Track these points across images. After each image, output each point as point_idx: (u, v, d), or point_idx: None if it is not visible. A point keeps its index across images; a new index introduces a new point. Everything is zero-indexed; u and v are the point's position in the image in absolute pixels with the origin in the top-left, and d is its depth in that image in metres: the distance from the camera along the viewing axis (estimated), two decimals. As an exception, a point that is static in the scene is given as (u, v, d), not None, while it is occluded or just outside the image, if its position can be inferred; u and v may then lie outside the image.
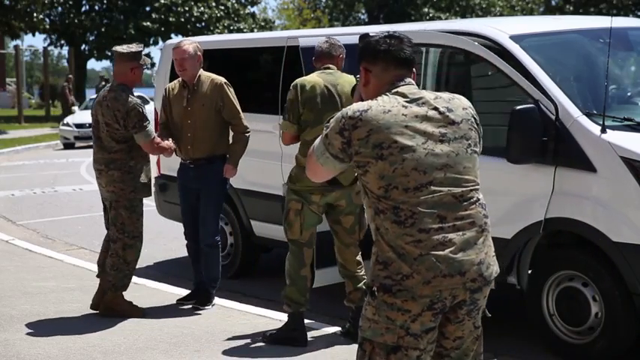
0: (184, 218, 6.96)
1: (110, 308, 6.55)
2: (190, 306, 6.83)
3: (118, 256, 6.53)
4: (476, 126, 3.27)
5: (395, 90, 3.22)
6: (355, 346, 5.73)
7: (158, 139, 6.52)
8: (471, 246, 3.11)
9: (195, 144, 6.68)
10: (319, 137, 3.29)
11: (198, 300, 6.83)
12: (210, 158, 6.72)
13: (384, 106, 3.15)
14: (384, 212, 3.11)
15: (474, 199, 3.17)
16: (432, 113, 3.17)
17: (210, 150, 6.71)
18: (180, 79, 6.82)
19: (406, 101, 3.18)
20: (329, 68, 5.95)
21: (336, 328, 6.22)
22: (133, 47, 6.59)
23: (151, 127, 6.48)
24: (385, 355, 3.11)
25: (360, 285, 5.92)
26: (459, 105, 3.25)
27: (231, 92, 6.73)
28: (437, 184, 3.09)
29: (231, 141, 6.82)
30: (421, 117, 3.15)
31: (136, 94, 6.78)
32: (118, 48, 6.60)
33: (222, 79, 6.77)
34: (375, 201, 3.14)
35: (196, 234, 6.83)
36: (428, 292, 3.06)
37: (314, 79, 5.88)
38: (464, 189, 3.14)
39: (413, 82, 3.28)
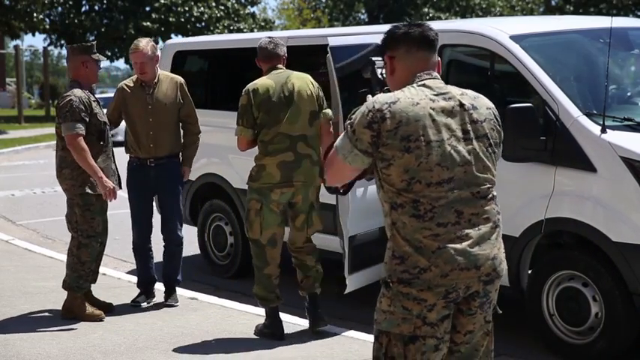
0: (140, 217, 6.84)
1: (69, 311, 6.44)
2: (145, 304, 6.85)
3: (73, 255, 6.42)
4: (498, 127, 3.28)
5: (422, 82, 3.22)
6: (352, 345, 5.77)
7: (82, 141, 6.17)
8: (485, 241, 3.15)
9: (158, 142, 6.72)
10: (340, 138, 3.23)
11: (169, 297, 6.88)
12: (170, 156, 6.79)
13: (412, 98, 3.14)
14: (402, 206, 3.11)
15: (490, 196, 3.21)
16: (457, 109, 3.17)
17: (172, 148, 6.80)
18: (133, 78, 6.82)
19: (433, 94, 3.18)
20: (276, 68, 6.07)
21: (336, 329, 6.22)
22: (87, 43, 6.54)
23: (81, 126, 6.19)
24: (403, 346, 3.11)
25: (310, 273, 6.13)
26: (483, 104, 3.26)
27: (188, 92, 6.87)
28: (457, 181, 3.11)
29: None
30: (447, 112, 3.15)
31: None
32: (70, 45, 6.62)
33: (181, 79, 6.89)
34: (393, 195, 3.13)
35: (149, 233, 6.87)
36: (444, 282, 3.09)
37: (265, 81, 5.98)
38: (482, 187, 3.17)
39: (438, 75, 3.29)
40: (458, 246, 3.08)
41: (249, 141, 5.98)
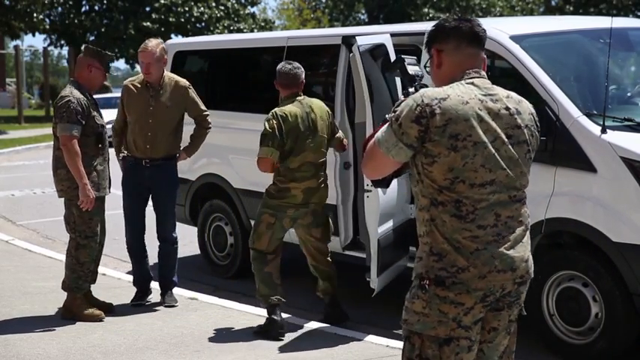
0: (133, 216, 6.85)
1: (69, 311, 6.45)
2: (146, 302, 6.88)
3: (71, 256, 6.41)
4: (537, 133, 3.27)
5: (470, 80, 3.17)
6: (353, 345, 5.76)
7: (76, 144, 6.16)
8: (519, 243, 3.17)
9: (155, 144, 6.73)
10: (382, 130, 3.15)
11: (167, 298, 6.89)
12: (166, 158, 6.80)
13: (462, 96, 3.09)
14: (443, 204, 3.09)
15: (523, 199, 3.23)
16: (503, 112, 3.14)
17: (168, 150, 6.80)
18: (140, 77, 6.83)
19: (482, 94, 3.14)
20: (297, 95, 6.19)
21: (336, 329, 6.22)
22: (104, 51, 6.52)
23: (76, 128, 6.18)
24: (438, 348, 3.11)
25: (332, 280, 6.36)
26: (526, 109, 3.24)
27: (195, 94, 6.89)
28: (498, 184, 3.10)
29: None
30: (494, 114, 3.12)
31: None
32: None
33: (186, 82, 6.90)
34: (434, 192, 3.09)
35: (143, 232, 6.89)
36: (482, 286, 3.09)
37: (292, 109, 6.11)
38: (519, 191, 3.18)
39: (485, 74, 3.24)
40: (495, 248, 3.09)
41: (274, 163, 6.06)
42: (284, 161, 6.08)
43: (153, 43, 6.69)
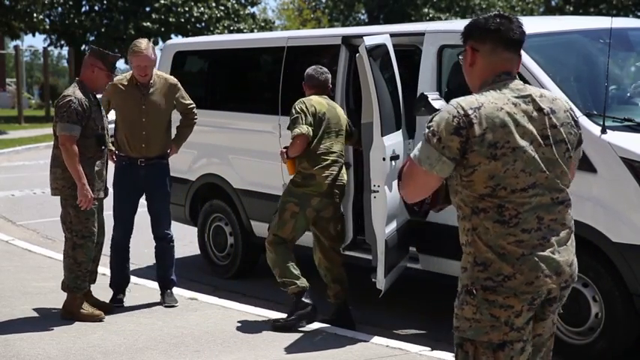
0: (125, 216, 6.85)
1: (68, 311, 6.45)
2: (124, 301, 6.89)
3: (69, 257, 6.40)
4: (575, 130, 3.22)
5: (502, 84, 3.13)
6: (353, 345, 5.76)
7: (75, 145, 6.15)
8: (563, 246, 3.14)
9: (151, 142, 6.76)
10: (418, 149, 3.07)
11: (167, 298, 6.91)
12: (160, 156, 6.84)
13: (496, 102, 3.05)
14: (485, 211, 3.06)
15: (567, 201, 3.18)
16: (536, 114, 3.11)
17: (162, 148, 6.85)
18: (127, 75, 6.81)
19: (515, 97, 3.10)
20: (322, 95, 6.45)
21: (337, 329, 6.22)
22: (110, 52, 6.49)
23: (76, 129, 6.18)
24: (492, 354, 3.07)
25: (345, 283, 6.46)
26: (561, 107, 3.20)
27: (182, 89, 6.98)
28: (539, 187, 3.07)
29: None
30: (528, 117, 3.08)
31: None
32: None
33: (175, 79, 6.97)
34: (474, 200, 3.07)
35: (131, 232, 6.91)
36: (530, 290, 3.06)
37: (319, 100, 6.38)
38: (561, 193, 3.15)
39: (516, 75, 3.20)
40: (541, 253, 3.06)
41: (307, 141, 6.22)
42: (309, 147, 6.25)
43: (145, 45, 6.66)
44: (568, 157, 3.17)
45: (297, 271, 6.27)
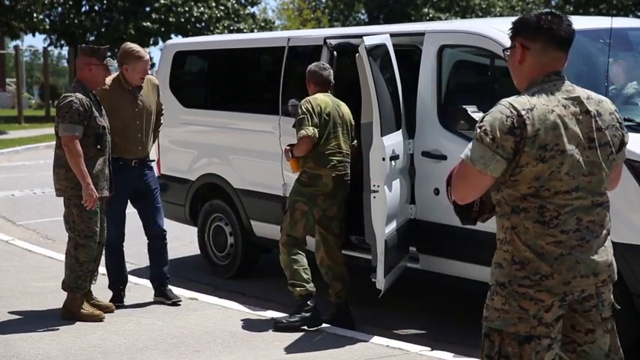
0: (121, 217, 6.89)
1: (68, 311, 6.45)
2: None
3: (71, 256, 6.41)
4: (619, 132, 3.24)
5: (552, 84, 3.15)
6: (353, 345, 5.76)
7: (78, 144, 6.16)
8: (601, 247, 3.17)
9: (144, 144, 6.86)
10: (470, 149, 3.09)
11: (169, 295, 6.96)
12: (148, 156, 6.98)
13: (547, 105, 3.08)
14: (525, 211, 3.09)
15: (605, 203, 3.21)
16: (583, 116, 3.13)
17: (150, 148, 7.00)
18: (112, 79, 6.79)
19: (564, 99, 3.13)
20: (326, 92, 6.48)
21: (337, 329, 6.22)
22: (96, 46, 6.51)
23: (78, 128, 6.18)
24: (518, 346, 3.09)
25: (347, 282, 6.48)
26: (607, 109, 3.21)
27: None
28: (581, 190, 3.11)
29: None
30: (576, 119, 3.11)
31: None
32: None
33: (156, 80, 7.12)
34: (516, 199, 3.10)
35: (124, 233, 6.96)
36: (565, 289, 3.11)
37: (324, 98, 6.40)
38: (601, 196, 3.18)
39: (565, 76, 3.21)
40: (579, 253, 3.10)
41: (313, 142, 6.25)
42: (316, 147, 6.29)
43: (144, 50, 6.80)
44: (612, 160, 3.21)
45: (307, 275, 6.29)
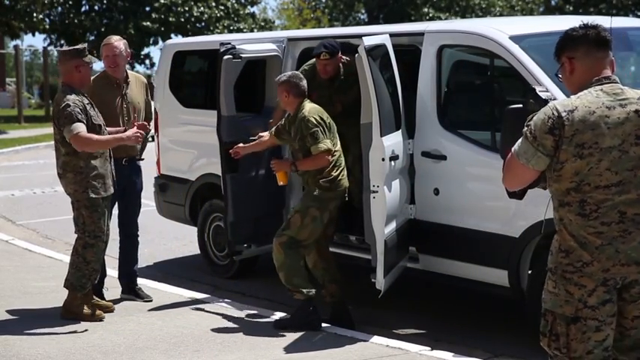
0: (110, 217, 6.83)
1: (68, 311, 6.45)
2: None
3: (78, 255, 6.42)
4: None
5: (599, 87, 3.42)
6: (352, 345, 5.77)
7: (85, 133, 6.17)
8: None
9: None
10: (518, 144, 3.42)
11: (140, 293, 7.05)
12: (136, 155, 6.97)
13: (589, 106, 3.34)
14: (569, 204, 3.40)
15: None
16: (632, 115, 3.36)
17: (138, 147, 6.95)
18: (97, 76, 6.84)
19: (610, 101, 3.37)
20: (305, 100, 6.41)
21: (336, 329, 6.23)
22: (79, 46, 6.50)
23: (80, 124, 6.18)
24: (565, 325, 3.43)
25: (341, 282, 6.46)
26: None
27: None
28: (625, 184, 3.35)
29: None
30: (623, 119, 3.35)
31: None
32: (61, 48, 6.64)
33: (145, 79, 7.10)
34: (561, 193, 3.41)
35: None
36: (604, 276, 3.38)
37: (317, 107, 6.37)
38: None
39: (616, 78, 3.48)
40: (620, 244, 3.35)
41: (331, 154, 6.27)
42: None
43: (116, 38, 6.88)
44: None
45: (303, 280, 6.26)
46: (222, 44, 7.00)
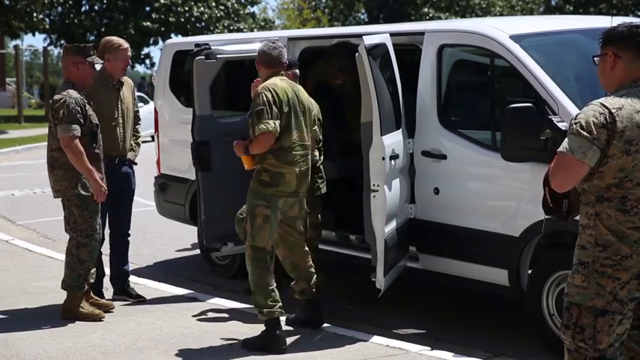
0: (103, 217, 6.82)
1: (68, 310, 6.44)
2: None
3: (72, 255, 6.40)
4: None
5: (638, 89, 3.52)
6: (352, 345, 5.76)
7: (79, 144, 6.18)
8: None
9: (126, 141, 6.89)
10: (568, 141, 3.45)
11: (131, 293, 7.04)
12: (128, 155, 6.97)
13: (634, 105, 3.47)
14: (609, 200, 3.49)
15: None
16: None
17: (132, 149, 6.99)
18: (95, 76, 6.75)
19: None
20: (280, 73, 5.98)
21: (336, 328, 6.22)
22: (82, 45, 6.50)
23: (76, 127, 6.20)
24: (593, 318, 3.52)
25: (318, 278, 6.16)
26: None
27: None
28: None
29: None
30: None
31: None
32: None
33: (131, 81, 7.12)
34: (600, 189, 3.49)
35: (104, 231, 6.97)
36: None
37: (283, 84, 5.88)
38: None
39: None
40: None
41: (275, 137, 5.70)
42: (277, 141, 5.75)
43: (124, 41, 6.88)
44: None
45: (265, 298, 5.77)
46: (196, 45, 6.98)
